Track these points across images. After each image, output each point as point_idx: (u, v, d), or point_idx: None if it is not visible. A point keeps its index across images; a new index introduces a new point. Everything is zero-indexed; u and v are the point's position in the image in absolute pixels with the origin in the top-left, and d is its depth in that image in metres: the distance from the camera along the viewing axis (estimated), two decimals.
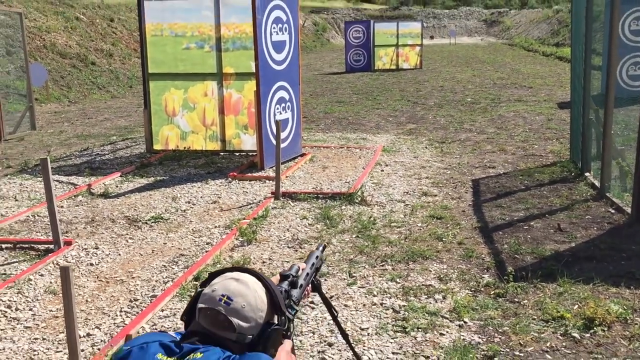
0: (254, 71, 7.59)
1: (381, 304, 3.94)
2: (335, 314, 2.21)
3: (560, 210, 5.96)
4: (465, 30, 60.93)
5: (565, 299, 3.94)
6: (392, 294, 4.10)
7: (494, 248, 4.94)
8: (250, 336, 1.54)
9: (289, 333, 1.68)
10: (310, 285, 1.99)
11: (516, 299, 3.98)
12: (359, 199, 6.28)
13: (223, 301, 1.52)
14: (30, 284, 4.38)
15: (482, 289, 4.16)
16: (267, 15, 7.48)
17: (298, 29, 8.27)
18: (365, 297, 4.06)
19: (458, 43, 47.11)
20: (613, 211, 5.77)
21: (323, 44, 46.07)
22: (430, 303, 3.95)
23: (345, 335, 2.29)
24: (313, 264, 2.03)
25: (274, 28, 7.64)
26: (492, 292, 4.09)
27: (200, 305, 1.54)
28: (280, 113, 7.95)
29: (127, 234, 5.46)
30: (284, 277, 1.84)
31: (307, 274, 1.96)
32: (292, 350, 1.67)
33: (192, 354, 1.44)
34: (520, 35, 47.22)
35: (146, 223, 5.75)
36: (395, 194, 6.60)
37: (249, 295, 1.55)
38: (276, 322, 1.64)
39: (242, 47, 8.38)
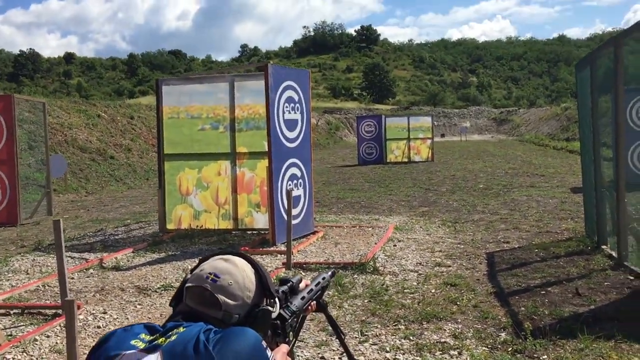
0: (267, 150, 7.76)
1: None
2: (343, 336, 2.14)
3: (578, 278, 5.81)
4: (475, 128, 62.18)
5: (586, 355, 3.77)
6: (405, 350, 3.95)
7: (511, 310, 4.79)
8: (237, 315, 1.49)
9: (285, 338, 1.63)
10: (316, 303, 1.95)
11: (535, 355, 3.81)
12: (372, 268, 6.19)
13: (210, 278, 1.48)
14: (36, 344, 4.29)
15: (499, 346, 3.99)
16: (279, 94, 7.75)
17: (309, 109, 8.52)
18: (378, 353, 3.91)
19: (469, 140, 47.95)
20: (632, 278, 5.62)
21: (336, 141, 47.11)
22: (445, 358, 3.78)
23: (351, 357, 2.20)
24: (319, 283, 1.99)
25: (287, 107, 7.88)
26: (509, 349, 3.93)
27: (187, 284, 1.51)
28: (292, 190, 8.02)
29: (136, 301, 5.38)
30: (283, 280, 1.81)
31: (312, 289, 1.92)
32: (290, 354, 1.61)
33: (175, 329, 1.40)
34: (530, 132, 48.08)
35: (156, 291, 5.68)
36: (408, 265, 6.50)
37: (236, 274, 1.52)
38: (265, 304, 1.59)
39: (255, 127, 8.62)
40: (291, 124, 8.04)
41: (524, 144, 38.56)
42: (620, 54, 5.96)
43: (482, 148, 34.12)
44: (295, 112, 8.12)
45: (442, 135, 54.60)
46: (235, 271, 1.53)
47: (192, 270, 1.60)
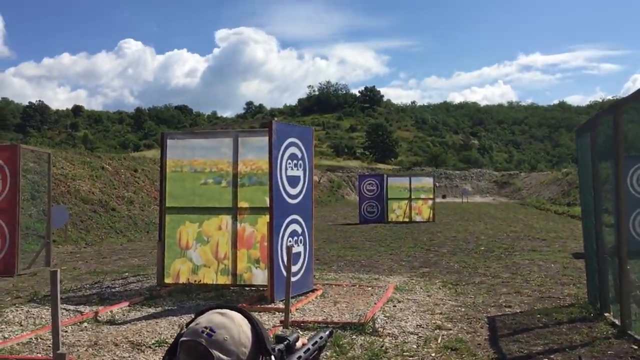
0: (268, 206, 7.77)
1: None
2: None
3: (581, 345, 5.70)
4: (477, 190, 62.32)
5: None
6: None
7: None
8: None
9: None
10: None
11: None
12: (371, 329, 6.08)
13: (205, 333, 1.45)
14: None
15: None
16: (283, 151, 7.82)
17: (312, 166, 8.58)
18: None
19: (470, 202, 47.98)
20: (636, 347, 5.51)
21: (338, 199, 47.18)
22: None
23: None
24: (316, 342, 1.95)
25: (289, 163, 7.94)
26: None
27: (182, 339, 1.48)
28: (293, 246, 7.98)
29: (129, 357, 5.27)
30: (280, 338, 1.77)
31: (308, 348, 1.88)
32: None
33: None
34: (532, 196, 48.15)
35: (150, 347, 5.57)
36: (408, 327, 6.39)
37: (232, 329, 1.49)
38: None
39: (257, 182, 8.66)
40: (293, 181, 8.07)
41: (526, 207, 38.56)
42: (620, 122, 6.04)
43: (483, 210, 34.10)
44: (297, 169, 8.17)
45: (444, 197, 54.67)
46: (232, 326, 1.50)
47: (187, 324, 1.57)
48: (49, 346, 5.24)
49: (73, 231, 17.52)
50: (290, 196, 7.97)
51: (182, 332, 1.53)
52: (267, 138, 7.84)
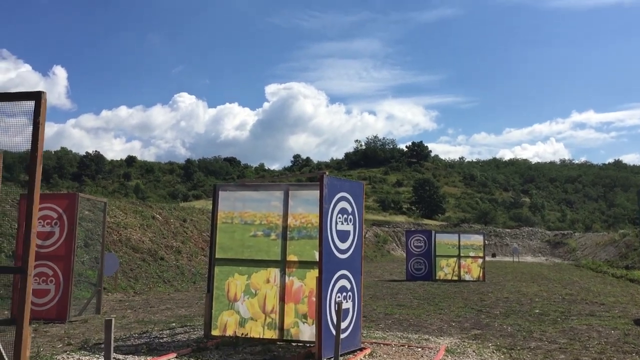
0: (317, 260, 7.70)
1: None
2: None
3: None
4: (528, 250, 60.60)
5: None
6: None
7: None
8: None
9: None
10: None
11: None
12: None
13: None
14: None
15: None
16: (333, 205, 7.80)
17: (362, 221, 8.51)
18: None
19: (521, 261, 46.60)
20: None
21: (384, 254, 46.62)
22: None
23: None
24: None
25: (340, 218, 7.90)
26: None
27: None
28: (338, 302, 7.83)
29: None
30: None
31: None
32: None
33: None
34: (587, 257, 46.46)
35: None
36: None
37: None
38: None
39: (307, 236, 8.63)
40: (343, 235, 8.00)
41: (581, 269, 37.15)
42: None
43: (536, 271, 33.01)
44: (348, 224, 8.11)
45: (494, 255, 53.32)
46: None
47: None
48: None
49: (123, 279, 17.78)
50: (339, 251, 7.89)
51: None
52: (317, 192, 7.85)
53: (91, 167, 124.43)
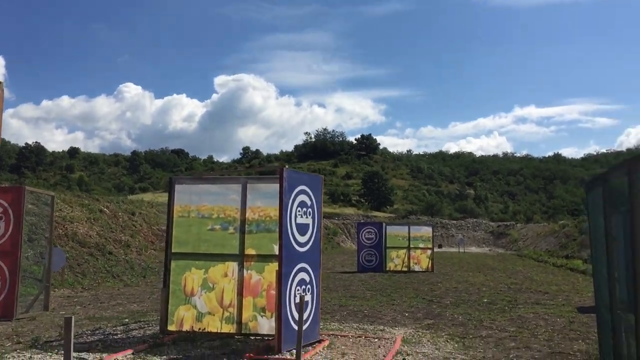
0: (276, 253, 7.70)
1: None
2: None
3: None
4: (473, 241, 62.20)
5: None
6: None
7: None
8: None
9: None
10: None
11: None
12: None
13: None
14: None
15: None
16: (293, 198, 7.80)
17: (321, 214, 8.54)
18: None
19: (467, 252, 47.78)
20: None
21: (334, 247, 46.93)
22: None
23: None
24: None
25: (299, 211, 7.91)
26: None
27: None
28: (301, 295, 7.86)
29: None
30: None
31: None
32: None
33: None
34: (529, 247, 48.05)
35: None
36: None
37: None
38: None
39: (265, 229, 8.61)
40: (303, 228, 8.02)
41: (523, 259, 38.39)
42: (635, 178, 6.06)
43: (481, 261, 33.92)
44: (307, 217, 8.13)
45: (440, 246, 54.45)
46: None
47: None
48: None
49: (70, 275, 17.28)
50: (299, 244, 7.91)
51: None
52: (276, 185, 7.84)
53: (31, 158, 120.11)
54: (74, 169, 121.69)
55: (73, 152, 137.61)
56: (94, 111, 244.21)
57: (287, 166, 7.74)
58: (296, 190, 7.94)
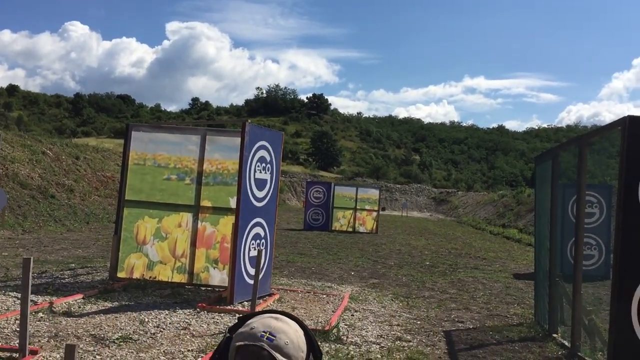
0: (232, 207, 7.73)
1: None
2: None
3: None
4: (415, 205, 63.63)
5: None
6: None
7: None
8: None
9: None
10: None
11: None
12: (334, 337, 6.15)
13: (266, 337, 1.45)
14: None
15: None
16: (253, 153, 7.81)
17: (279, 170, 8.60)
18: None
19: (409, 216, 48.91)
20: None
21: (280, 204, 47.07)
22: None
23: None
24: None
25: (258, 166, 7.93)
26: None
27: (239, 343, 1.47)
28: (255, 249, 7.97)
29: (94, 351, 5.14)
30: None
31: None
32: None
33: None
34: (468, 215, 49.54)
35: (114, 342, 5.44)
36: (369, 336, 6.50)
37: (291, 333, 1.50)
38: None
39: (222, 182, 8.60)
40: (261, 184, 8.07)
41: (462, 225, 39.64)
42: (584, 153, 6.38)
43: (422, 225, 34.85)
44: (266, 172, 8.17)
45: (383, 209, 55.43)
46: (289, 330, 1.50)
47: (231, 330, 1.57)
48: (7, 335, 5.05)
49: (10, 216, 16.80)
50: (256, 199, 7.96)
51: (229, 336, 1.54)
52: (235, 138, 7.83)
53: None
54: (12, 107, 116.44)
55: (12, 89, 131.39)
56: (37, 48, 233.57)
57: (249, 120, 7.71)
58: (257, 145, 7.94)
